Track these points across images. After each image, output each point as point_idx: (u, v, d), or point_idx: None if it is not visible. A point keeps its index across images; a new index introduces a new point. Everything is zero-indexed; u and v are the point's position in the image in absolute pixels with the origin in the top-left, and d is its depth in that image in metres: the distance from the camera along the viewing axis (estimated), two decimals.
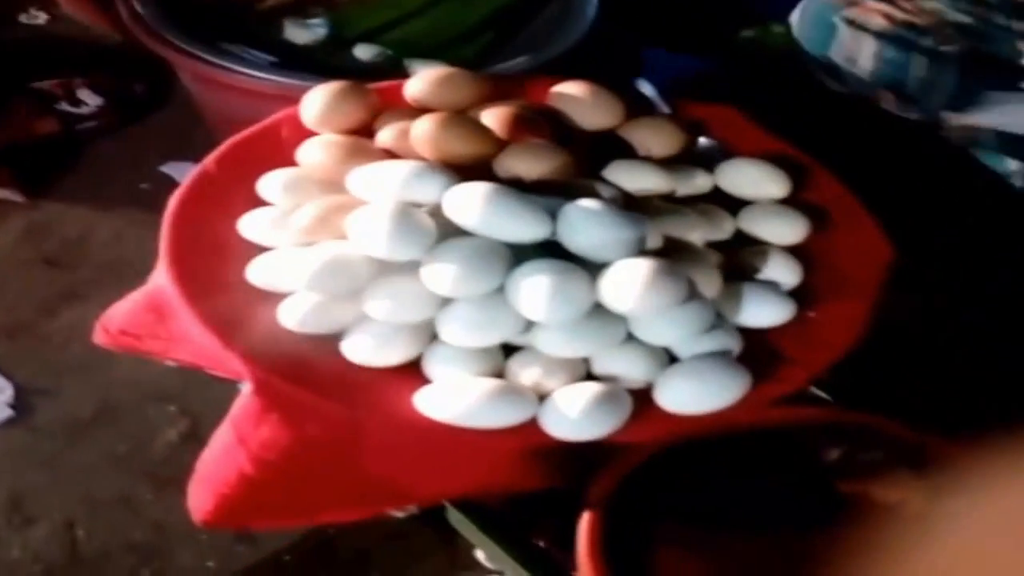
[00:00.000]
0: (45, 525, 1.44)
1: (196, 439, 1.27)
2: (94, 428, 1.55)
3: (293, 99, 1.32)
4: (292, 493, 1.15)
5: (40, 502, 1.47)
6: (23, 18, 2.42)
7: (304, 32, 1.67)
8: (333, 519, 1.29)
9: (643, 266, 1.06)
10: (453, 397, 1.06)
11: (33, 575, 1.40)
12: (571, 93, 1.30)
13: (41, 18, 2.42)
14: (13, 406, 1.58)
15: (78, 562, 1.41)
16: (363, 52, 1.63)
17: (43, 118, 2.05)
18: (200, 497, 1.17)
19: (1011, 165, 1.48)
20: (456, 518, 1.23)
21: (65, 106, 2.06)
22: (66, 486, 1.48)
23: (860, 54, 1.51)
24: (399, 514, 1.37)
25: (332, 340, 1.10)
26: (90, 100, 2.07)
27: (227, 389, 1.18)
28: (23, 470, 1.51)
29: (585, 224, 1.09)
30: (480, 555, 1.36)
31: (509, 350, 1.11)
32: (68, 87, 2.09)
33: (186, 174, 1.29)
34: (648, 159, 1.25)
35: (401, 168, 1.14)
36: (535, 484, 1.12)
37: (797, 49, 1.61)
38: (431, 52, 1.54)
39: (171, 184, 1.32)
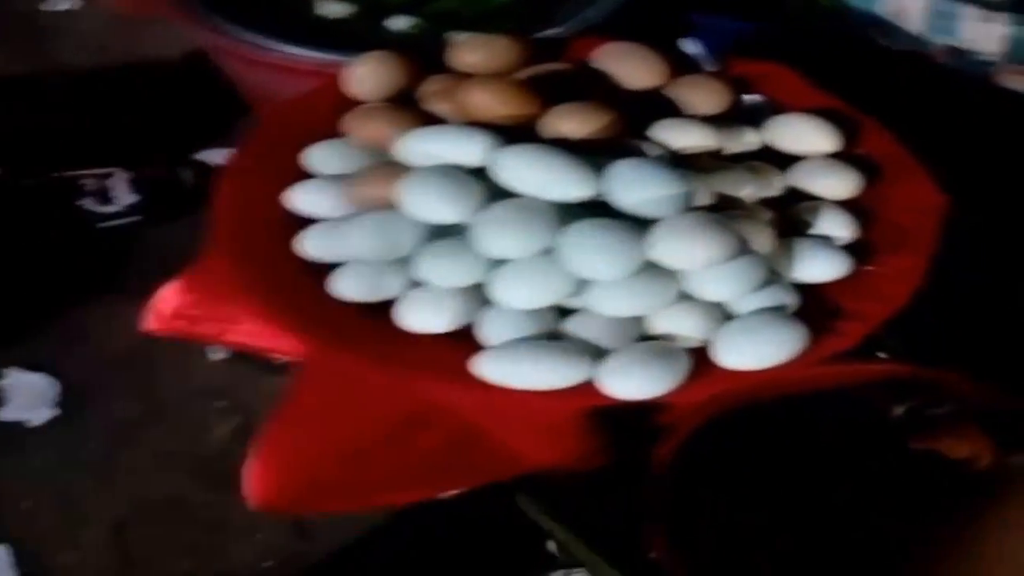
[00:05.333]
0: (95, 528, 1.44)
1: (248, 435, 1.26)
2: (142, 426, 1.55)
3: (332, 74, 1.37)
4: (351, 472, 1.18)
5: (89, 504, 1.47)
6: (45, 6, 2.29)
7: (336, 6, 1.70)
8: (394, 500, 1.30)
9: (692, 221, 1.11)
10: (508, 359, 1.10)
11: None
12: (614, 53, 1.35)
13: (64, 4, 2.29)
14: (60, 404, 1.58)
15: (131, 565, 1.40)
16: (397, 23, 1.66)
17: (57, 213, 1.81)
18: (257, 480, 1.19)
19: None
20: (528, 506, 1.25)
21: (89, 204, 1.83)
22: (115, 487, 1.48)
23: (909, 8, 1.54)
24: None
25: (385, 308, 1.14)
26: (124, 198, 1.83)
27: (278, 382, 1.23)
28: (71, 471, 1.51)
29: (631, 181, 1.13)
30: (552, 546, 1.38)
31: (564, 314, 1.15)
32: (103, 182, 1.84)
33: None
34: (695, 117, 1.29)
35: (446, 131, 1.19)
36: (599, 458, 1.16)
37: (846, 8, 1.63)
38: (469, 24, 1.56)
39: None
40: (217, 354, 1.59)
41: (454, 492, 1.32)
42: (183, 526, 1.45)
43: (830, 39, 1.63)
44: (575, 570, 1.35)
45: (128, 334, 1.47)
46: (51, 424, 1.56)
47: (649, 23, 1.50)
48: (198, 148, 1.95)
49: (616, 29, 1.50)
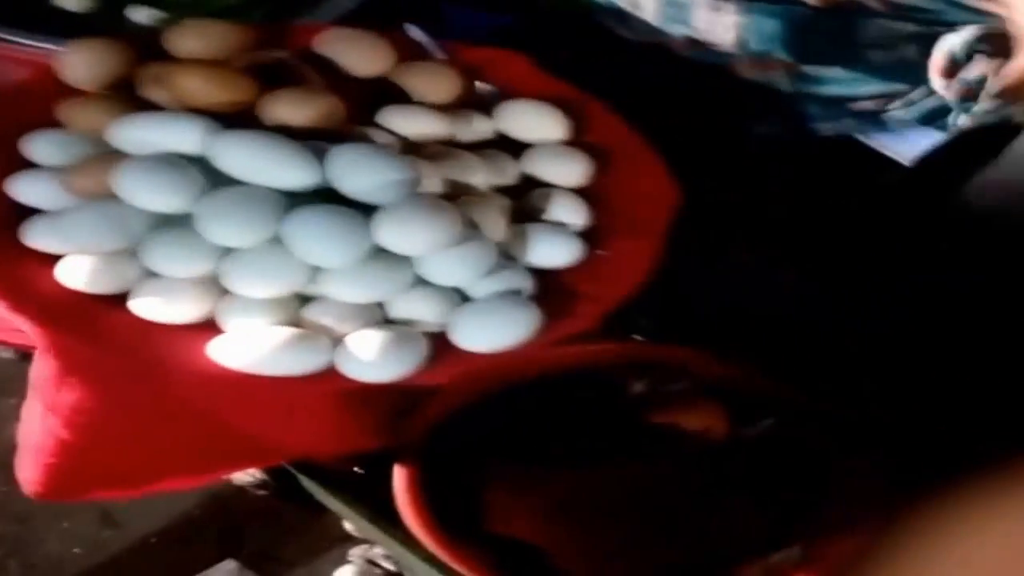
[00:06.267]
0: None
1: None
2: None
3: (49, 62, 1.34)
4: (117, 458, 1.17)
5: None
6: None
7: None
8: (170, 486, 1.28)
9: (416, 206, 1.13)
10: (246, 345, 1.10)
11: None
12: (338, 40, 1.35)
13: None
14: None
15: None
16: (138, 15, 1.63)
17: None
18: (28, 469, 1.18)
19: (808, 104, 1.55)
20: (309, 485, 1.27)
21: None
22: None
23: None
24: (246, 480, 1.37)
25: (122, 298, 1.13)
26: None
27: None
28: None
29: (354, 167, 1.14)
30: (348, 526, 1.37)
31: (307, 301, 1.15)
32: None
33: None
34: (423, 104, 1.30)
35: (161, 118, 1.19)
36: (358, 442, 1.17)
37: (591, 3, 1.65)
38: (214, 16, 1.54)
39: None
40: (4, 352, 1.58)
41: (218, 478, 1.33)
42: None
43: (572, 30, 1.64)
44: (372, 545, 1.37)
45: None
46: None
47: (397, 15, 1.50)
48: None
49: (362, 20, 1.50)
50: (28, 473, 1.18)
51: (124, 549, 1.43)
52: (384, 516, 1.21)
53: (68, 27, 1.57)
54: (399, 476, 1.07)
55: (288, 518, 1.44)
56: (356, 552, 1.47)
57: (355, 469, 1.25)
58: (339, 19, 1.59)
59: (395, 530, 1.19)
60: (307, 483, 1.27)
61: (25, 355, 1.53)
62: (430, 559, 1.12)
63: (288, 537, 1.44)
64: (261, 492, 1.43)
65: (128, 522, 1.44)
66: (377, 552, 1.49)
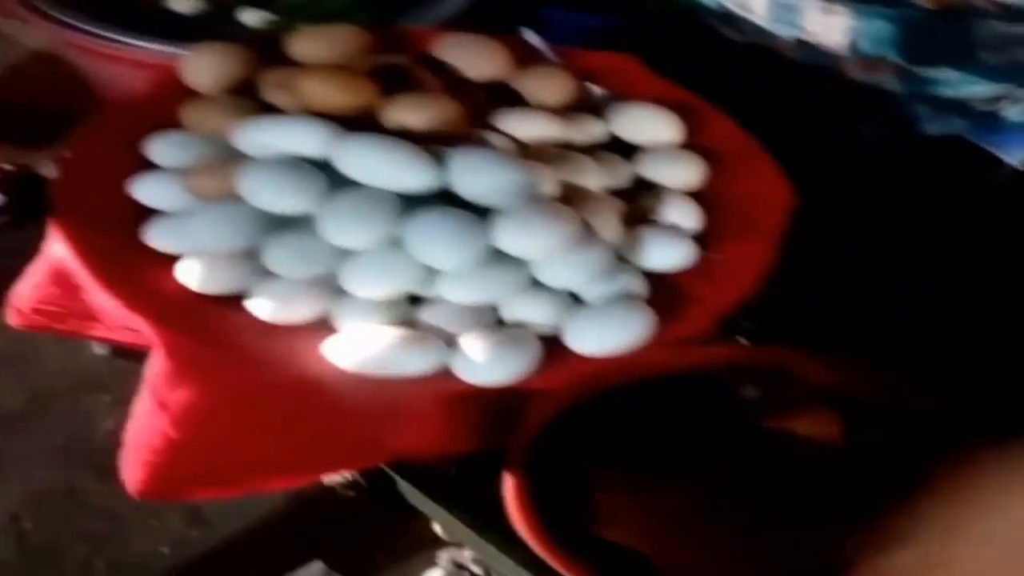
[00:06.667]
0: None
1: None
2: (29, 421, 1.59)
3: (172, 65, 1.36)
4: (222, 458, 1.19)
5: None
6: None
7: (184, 1, 1.69)
8: (269, 486, 1.32)
9: (534, 209, 1.13)
10: (362, 346, 1.11)
11: None
12: (456, 44, 1.36)
13: None
14: None
15: (28, 554, 1.46)
16: (249, 17, 1.66)
17: None
18: (132, 467, 1.21)
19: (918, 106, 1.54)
20: (405, 488, 1.27)
21: None
22: (7, 480, 1.53)
23: (753, 0, 1.56)
24: (335, 480, 1.39)
25: (238, 299, 1.15)
26: None
27: None
28: None
29: (474, 171, 1.15)
30: (438, 528, 1.38)
31: (419, 302, 1.17)
32: None
33: None
34: (539, 108, 1.31)
35: (284, 121, 1.20)
36: (463, 444, 1.18)
37: (695, 2, 1.65)
38: (323, 18, 1.56)
39: None
40: (99, 349, 1.60)
41: (318, 478, 1.34)
42: (78, 515, 1.48)
43: (679, 32, 1.64)
44: (461, 548, 1.37)
45: (7, 333, 1.47)
46: None
47: (501, 18, 1.51)
48: (60, 146, 1.96)
49: (468, 24, 1.52)
50: (131, 471, 1.20)
51: (211, 548, 1.45)
52: (479, 519, 1.23)
53: (183, 30, 1.61)
54: (507, 479, 1.07)
55: (376, 520, 1.44)
56: (444, 555, 1.48)
57: (451, 470, 1.26)
58: (444, 22, 1.61)
59: (489, 533, 1.21)
60: (403, 485, 1.27)
61: (119, 352, 1.56)
62: (524, 563, 1.14)
63: (376, 539, 1.45)
64: (350, 493, 1.44)
65: (216, 521, 1.46)
66: (465, 555, 1.50)
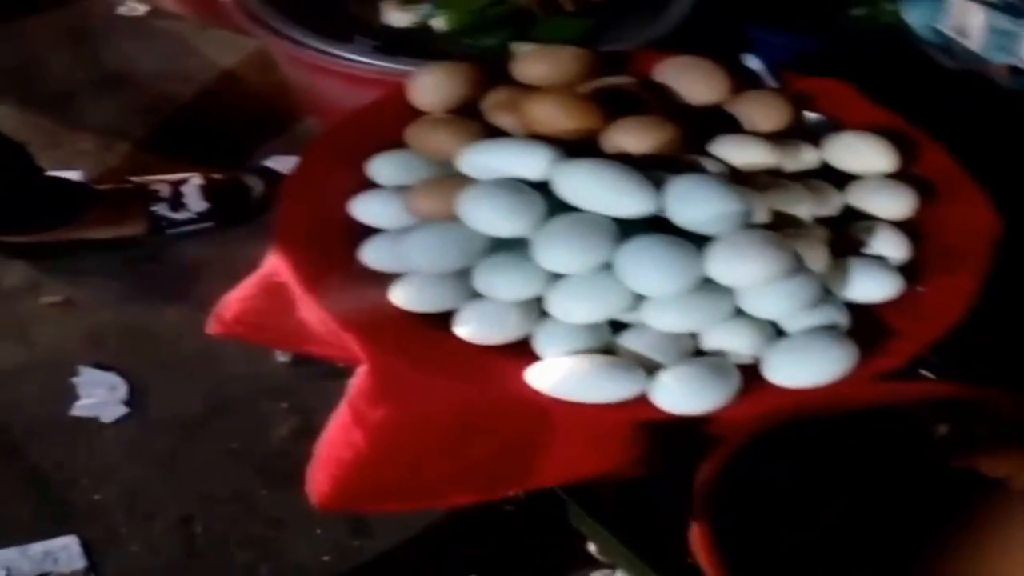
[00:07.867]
0: (162, 520, 1.51)
1: (309, 435, 1.33)
2: (207, 424, 1.62)
3: (397, 83, 1.39)
4: (408, 474, 1.23)
5: (157, 498, 1.54)
6: (122, 10, 2.42)
7: (404, 15, 1.73)
8: (449, 502, 1.36)
9: (749, 239, 1.13)
10: (564, 371, 1.13)
11: (153, 569, 1.48)
12: (677, 67, 1.37)
13: (140, 10, 2.41)
14: (127, 403, 1.66)
15: (196, 556, 1.48)
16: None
17: (131, 219, 1.88)
18: (319, 479, 1.25)
19: None
20: (573, 510, 1.29)
21: (162, 209, 1.90)
22: (181, 482, 1.56)
23: (970, 25, 1.56)
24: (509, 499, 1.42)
25: (445, 318, 1.17)
26: (195, 205, 1.90)
27: (338, 384, 1.25)
28: (139, 466, 1.58)
29: (692, 198, 1.15)
30: (592, 548, 1.40)
31: (619, 329, 1.18)
32: (176, 189, 1.89)
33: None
34: (755, 133, 1.31)
35: (509, 144, 1.22)
36: (639, 469, 1.19)
37: (907, 25, 1.65)
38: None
39: None
40: (282, 356, 1.65)
41: (507, 495, 1.37)
42: (246, 520, 1.50)
43: (890, 56, 1.64)
44: (613, 570, 1.39)
45: (195, 337, 1.55)
46: (121, 421, 1.64)
47: (709, 38, 1.52)
48: (265, 155, 2.02)
49: (678, 44, 1.53)
50: (318, 483, 1.24)
51: (372, 559, 1.46)
52: (637, 541, 1.23)
53: (396, 44, 1.66)
54: (695, 509, 1.07)
55: (532, 536, 1.45)
56: (596, 575, 1.50)
57: (613, 492, 1.27)
58: (655, 42, 1.62)
59: (646, 556, 1.21)
60: (572, 506, 1.28)
61: (300, 360, 1.61)
62: None
63: (532, 555, 1.44)
64: (508, 508, 1.47)
65: (379, 532, 1.46)
66: None
